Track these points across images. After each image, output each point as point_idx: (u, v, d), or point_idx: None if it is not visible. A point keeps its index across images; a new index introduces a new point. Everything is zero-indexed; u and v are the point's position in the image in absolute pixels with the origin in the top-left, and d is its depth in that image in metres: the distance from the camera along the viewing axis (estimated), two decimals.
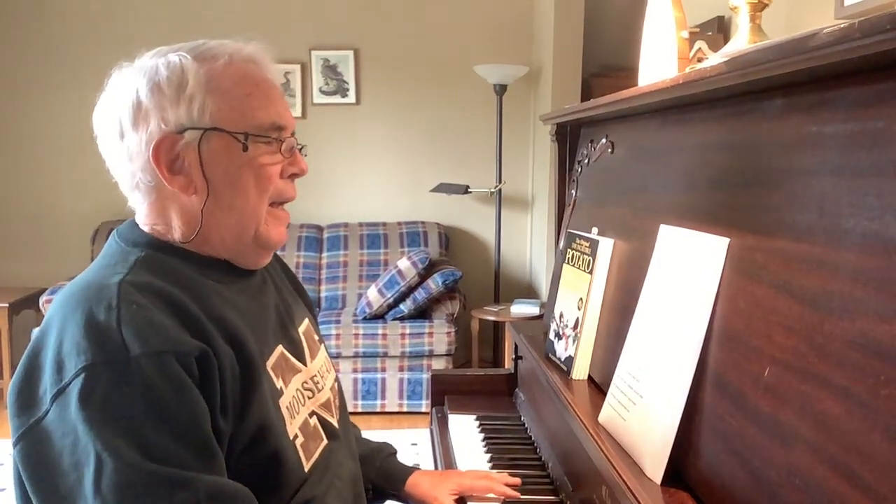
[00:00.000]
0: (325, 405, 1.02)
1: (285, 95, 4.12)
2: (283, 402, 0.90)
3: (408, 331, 3.48)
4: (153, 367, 0.73)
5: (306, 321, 1.07)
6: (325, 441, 0.98)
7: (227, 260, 0.92)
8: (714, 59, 1.08)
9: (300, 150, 0.95)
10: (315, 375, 1.02)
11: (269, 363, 0.90)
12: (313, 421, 0.97)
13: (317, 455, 0.95)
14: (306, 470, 0.91)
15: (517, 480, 1.21)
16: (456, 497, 1.18)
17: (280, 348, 0.95)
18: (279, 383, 0.91)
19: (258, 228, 0.90)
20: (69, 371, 0.72)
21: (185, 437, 0.74)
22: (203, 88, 0.85)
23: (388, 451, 1.26)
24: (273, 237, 0.92)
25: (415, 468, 1.24)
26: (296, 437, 0.91)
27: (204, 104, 0.85)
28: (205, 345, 0.78)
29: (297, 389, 0.95)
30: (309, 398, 0.98)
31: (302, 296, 1.15)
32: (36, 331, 0.80)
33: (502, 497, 1.17)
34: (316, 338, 1.09)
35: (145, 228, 0.89)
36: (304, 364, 1.00)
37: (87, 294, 0.78)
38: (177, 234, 0.88)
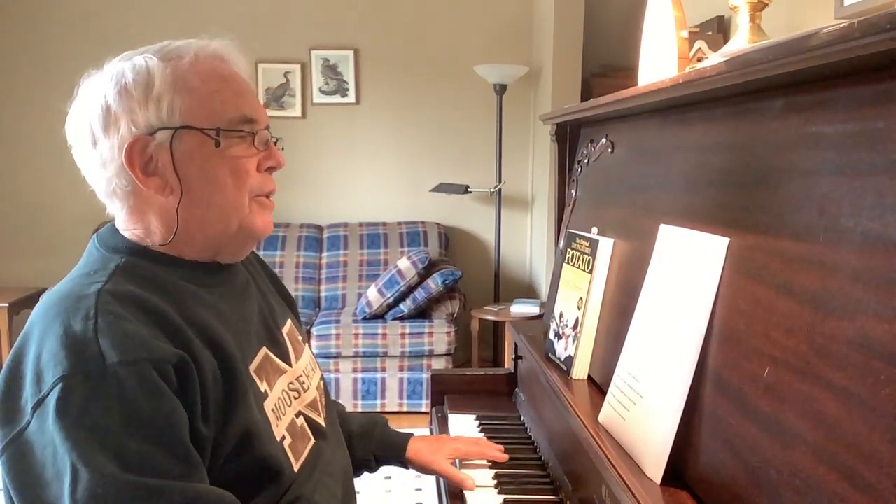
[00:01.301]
0: (312, 405, 1.02)
1: (286, 95, 4.18)
2: (269, 405, 0.90)
3: (408, 331, 3.48)
4: (129, 375, 0.73)
5: (289, 322, 1.08)
6: (313, 440, 0.99)
7: (208, 261, 0.92)
8: (714, 59, 1.08)
9: (275, 142, 0.94)
10: (301, 375, 1.02)
11: (252, 366, 0.90)
12: (300, 421, 0.98)
13: (305, 455, 0.95)
14: (296, 470, 0.91)
15: (505, 457, 1.29)
16: (452, 461, 1.26)
17: (264, 350, 0.95)
18: (263, 386, 0.91)
19: (243, 220, 0.90)
20: (47, 382, 0.72)
21: (162, 445, 0.73)
22: (170, 87, 0.85)
23: (382, 423, 1.30)
24: (258, 226, 0.92)
25: (411, 434, 1.29)
26: (283, 438, 0.91)
27: (172, 103, 0.84)
28: (184, 352, 0.78)
29: (283, 391, 0.96)
30: (295, 398, 0.98)
31: (284, 296, 1.15)
32: (17, 341, 0.80)
33: (491, 460, 1.28)
34: (300, 338, 1.09)
35: (126, 234, 0.89)
36: (290, 365, 1.00)
37: (66, 304, 0.78)
38: (156, 237, 0.88)
